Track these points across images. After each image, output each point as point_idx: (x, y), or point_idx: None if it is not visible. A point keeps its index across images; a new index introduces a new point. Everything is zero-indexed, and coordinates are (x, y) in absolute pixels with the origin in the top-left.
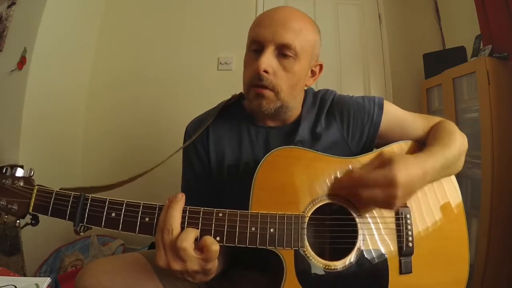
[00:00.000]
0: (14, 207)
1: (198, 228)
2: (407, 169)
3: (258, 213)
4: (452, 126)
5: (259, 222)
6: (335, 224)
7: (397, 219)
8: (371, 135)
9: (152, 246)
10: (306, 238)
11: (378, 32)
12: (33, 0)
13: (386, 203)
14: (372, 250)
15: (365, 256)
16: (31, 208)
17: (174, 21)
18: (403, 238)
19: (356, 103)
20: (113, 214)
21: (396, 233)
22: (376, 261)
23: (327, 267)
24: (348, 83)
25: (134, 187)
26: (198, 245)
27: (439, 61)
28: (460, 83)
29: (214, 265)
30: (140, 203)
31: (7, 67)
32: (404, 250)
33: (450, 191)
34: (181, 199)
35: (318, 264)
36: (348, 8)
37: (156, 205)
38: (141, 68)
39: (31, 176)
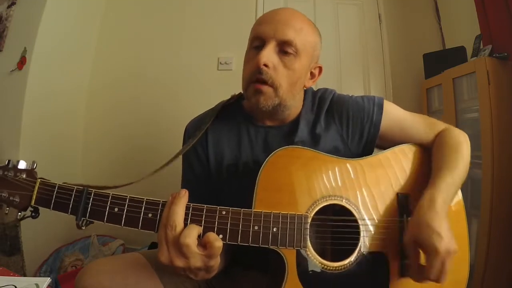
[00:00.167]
0: (16, 199)
1: (201, 225)
2: (440, 232)
3: (262, 212)
4: (456, 136)
5: (262, 221)
6: (337, 225)
7: (399, 221)
8: (372, 136)
9: (152, 246)
10: (308, 238)
11: (378, 32)
12: (33, 0)
13: (451, 258)
14: (373, 252)
15: (366, 257)
16: (33, 201)
17: (174, 21)
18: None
19: (356, 103)
20: (116, 209)
21: (397, 235)
22: (377, 263)
23: (328, 267)
24: (348, 83)
25: (133, 186)
26: (201, 241)
27: (439, 61)
28: (460, 83)
29: (216, 262)
30: (143, 198)
31: (7, 67)
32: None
33: None
34: (184, 196)
35: (319, 264)
36: (348, 8)
37: (160, 201)
38: (141, 68)
39: (34, 168)
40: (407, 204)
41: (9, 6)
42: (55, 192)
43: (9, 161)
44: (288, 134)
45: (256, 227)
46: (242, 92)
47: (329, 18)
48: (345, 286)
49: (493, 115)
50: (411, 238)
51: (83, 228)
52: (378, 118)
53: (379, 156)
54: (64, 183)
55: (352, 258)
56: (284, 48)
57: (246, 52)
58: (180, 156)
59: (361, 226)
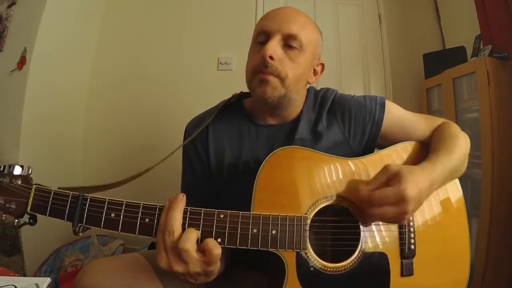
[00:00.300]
0: (12, 206)
1: (199, 230)
2: (415, 183)
3: (260, 214)
4: (455, 128)
5: (261, 223)
6: (337, 226)
7: None
8: (373, 135)
9: (152, 246)
10: (308, 240)
11: (378, 32)
12: (33, 0)
13: (397, 219)
14: (374, 253)
15: (367, 258)
16: (29, 207)
17: (174, 21)
18: (405, 240)
19: (358, 102)
20: (113, 215)
21: (398, 236)
22: (378, 264)
23: (328, 269)
24: (348, 83)
25: (133, 185)
26: (200, 247)
27: (439, 61)
28: (460, 83)
29: (216, 267)
30: (140, 203)
31: (7, 67)
32: (406, 253)
33: (453, 193)
34: (182, 200)
35: (319, 266)
36: (348, 8)
37: (157, 205)
38: (141, 68)
39: (29, 174)
40: None
41: (9, 6)
42: (50, 199)
43: (4, 166)
44: (289, 132)
45: (255, 230)
46: (243, 91)
47: (329, 18)
48: (345, 287)
49: (493, 115)
50: (393, 168)
51: (80, 234)
52: (380, 117)
53: (382, 154)
54: (60, 188)
55: (352, 259)
56: (289, 42)
57: (250, 48)
58: (180, 157)
59: (361, 227)
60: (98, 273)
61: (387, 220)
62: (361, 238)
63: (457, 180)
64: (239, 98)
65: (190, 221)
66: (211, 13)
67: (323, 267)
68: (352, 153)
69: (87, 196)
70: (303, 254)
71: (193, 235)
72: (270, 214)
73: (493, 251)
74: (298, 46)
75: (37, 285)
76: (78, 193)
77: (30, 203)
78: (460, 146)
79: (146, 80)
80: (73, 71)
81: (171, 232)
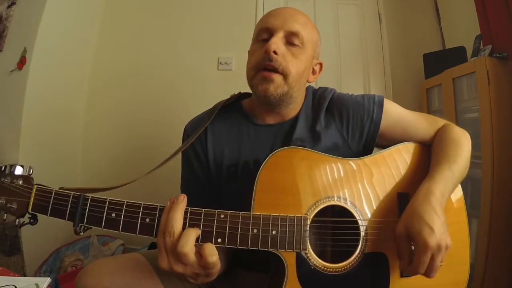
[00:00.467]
0: (13, 206)
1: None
2: (429, 226)
3: (260, 214)
4: (456, 132)
5: (261, 224)
6: (337, 226)
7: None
8: (372, 134)
9: (152, 246)
10: (308, 240)
11: (378, 32)
12: (33, 0)
13: (443, 253)
14: (373, 253)
15: (367, 258)
16: (30, 207)
17: (174, 21)
18: None
19: (355, 101)
20: (113, 215)
21: None
22: (378, 263)
23: (328, 269)
24: (348, 83)
25: (134, 185)
26: (199, 250)
27: (439, 61)
28: (460, 83)
29: (216, 268)
30: (141, 203)
31: (7, 67)
32: None
33: (453, 193)
34: (182, 201)
35: (319, 266)
36: (348, 8)
37: (157, 206)
38: (141, 68)
39: (30, 174)
40: (407, 203)
41: (9, 6)
42: (51, 199)
43: (5, 166)
44: (288, 131)
45: (255, 230)
46: (241, 91)
47: (329, 18)
48: (345, 287)
49: (493, 115)
50: (402, 229)
51: (81, 234)
52: (378, 116)
53: (383, 154)
54: (61, 188)
55: (352, 259)
56: (291, 39)
57: (251, 47)
58: (180, 158)
59: (361, 227)
60: (98, 273)
61: (441, 262)
62: (361, 238)
63: None
64: (237, 98)
65: (190, 221)
66: (211, 13)
67: (323, 268)
68: (352, 152)
69: (88, 196)
70: (303, 254)
71: (191, 237)
72: (270, 215)
73: (493, 251)
74: (299, 43)
75: (37, 285)
76: (79, 193)
77: (31, 203)
78: (462, 154)
79: (146, 80)
80: (73, 71)
81: (172, 233)
